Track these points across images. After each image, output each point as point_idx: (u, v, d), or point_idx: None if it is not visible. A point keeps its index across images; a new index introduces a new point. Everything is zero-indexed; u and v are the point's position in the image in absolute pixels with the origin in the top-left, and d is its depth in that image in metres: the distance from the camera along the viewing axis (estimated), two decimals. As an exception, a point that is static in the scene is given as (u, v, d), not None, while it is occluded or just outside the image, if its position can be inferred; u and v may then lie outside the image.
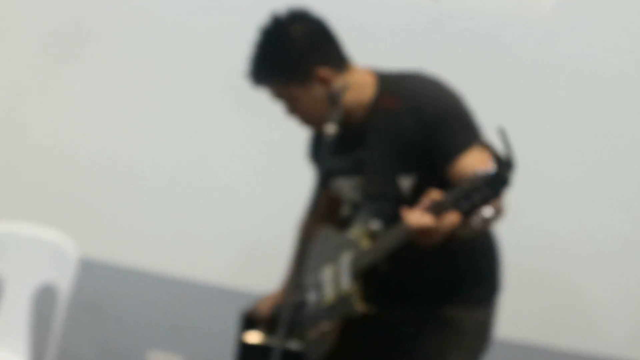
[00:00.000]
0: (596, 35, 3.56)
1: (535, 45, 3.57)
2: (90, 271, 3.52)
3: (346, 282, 2.43)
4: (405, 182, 2.43)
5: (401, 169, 2.42)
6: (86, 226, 3.85)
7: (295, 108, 2.50)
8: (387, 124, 2.39)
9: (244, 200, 3.89)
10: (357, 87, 2.47)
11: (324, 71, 2.44)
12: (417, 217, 2.10)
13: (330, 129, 2.27)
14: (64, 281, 3.37)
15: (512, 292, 3.32)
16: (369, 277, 2.36)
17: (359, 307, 2.34)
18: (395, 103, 2.44)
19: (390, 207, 2.38)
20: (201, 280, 3.87)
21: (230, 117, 3.91)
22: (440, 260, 2.44)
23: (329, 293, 2.52)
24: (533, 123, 3.47)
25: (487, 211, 2.07)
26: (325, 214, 2.75)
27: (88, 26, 4.06)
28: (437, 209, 2.08)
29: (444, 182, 2.28)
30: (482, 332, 2.52)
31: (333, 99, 2.31)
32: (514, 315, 3.41)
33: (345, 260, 2.46)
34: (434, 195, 2.11)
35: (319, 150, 2.63)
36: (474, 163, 2.28)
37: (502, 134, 1.97)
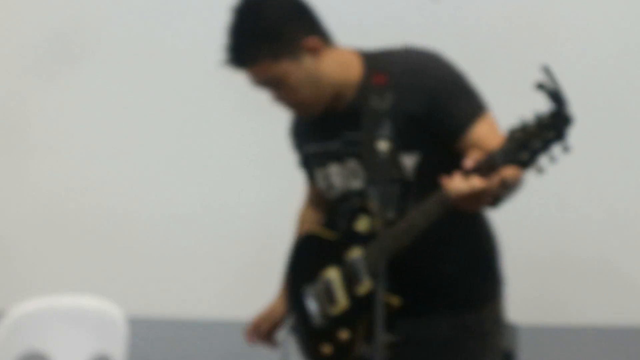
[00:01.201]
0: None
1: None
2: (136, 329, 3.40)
3: (362, 279, 2.34)
4: (408, 161, 2.33)
5: (402, 147, 2.30)
6: (119, 284, 3.87)
7: (286, 87, 2.35)
8: (381, 100, 2.23)
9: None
10: (345, 66, 2.38)
11: (312, 40, 2.32)
12: (462, 182, 2.04)
13: (384, 145, 2.11)
14: (116, 348, 3.26)
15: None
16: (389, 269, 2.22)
17: (393, 300, 2.25)
18: (388, 79, 2.30)
19: (398, 189, 2.25)
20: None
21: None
22: (453, 254, 2.42)
23: (340, 297, 2.41)
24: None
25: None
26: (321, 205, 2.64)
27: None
28: (486, 168, 2.02)
29: (450, 157, 2.23)
30: (499, 326, 2.49)
31: (378, 113, 2.17)
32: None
33: (356, 256, 2.36)
34: (476, 155, 2.06)
35: (303, 138, 2.53)
36: (487, 132, 2.24)
37: (548, 72, 1.88)
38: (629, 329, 3.51)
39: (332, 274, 2.42)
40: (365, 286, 2.33)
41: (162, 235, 4.00)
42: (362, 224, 2.35)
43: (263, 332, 2.70)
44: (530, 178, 2.06)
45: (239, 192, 3.89)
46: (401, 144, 2.28)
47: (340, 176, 2.42)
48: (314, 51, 2.32)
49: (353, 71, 2.37)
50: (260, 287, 3.72)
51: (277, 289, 2.68)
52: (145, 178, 4.05)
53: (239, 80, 2.42)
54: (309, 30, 2.32)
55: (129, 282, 3.95)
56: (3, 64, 4.16)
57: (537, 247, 3.55)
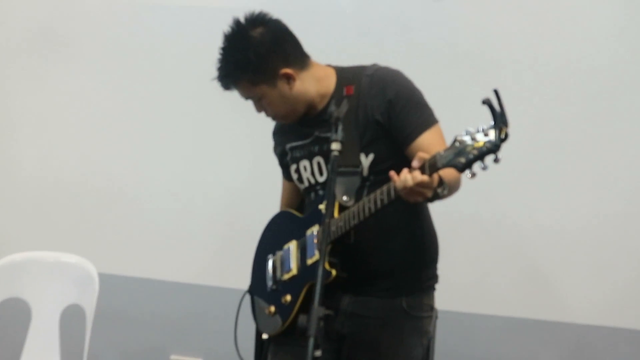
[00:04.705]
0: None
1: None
2: (107, 285, 3.67)
3: (313, 252, 2.56)
4: (365, 159, 2.57)
5: (362, 147, 2.56)
6: (94, 247, 4.04)
7: (265, 105, 2.65)
8: (338, 109, 2.42)
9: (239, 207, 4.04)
10: (321, 81, 2.66)
11: (287, 71, 2.59)
12: (407, 176, 2.23)
13: (335, 146, 2.32)
14: (89, 299, 3.49)
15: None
16: (336, 246, 2.45)
17: (333, 272, 2.44)
18: (354, 90, 2.59)
19: (356, 181, 2.55)
20: (210, 283, 4.08)
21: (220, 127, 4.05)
22: (399, 245, 2.63)
23: (292, 266, 2.66)
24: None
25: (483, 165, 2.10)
26: (297, 202, 2.92)
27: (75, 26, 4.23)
28: (429, 167, 2.21)
29: (401, 159, 2.44)
30: (432, 314, 2.74)
31: (332, 118, 2.37)
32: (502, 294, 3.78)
33: (312, 232, 2.60)
34: (422, 155, 2.24)
35: (285, 137, 2.78)
36: (434, 141, 2.48)
37: (496, 93, 2.00)
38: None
39: (292, 246, 2.69)
40: (312, 258, 2.57)
41: (145, 211, 4.19)
42: (324, 206, 2.49)
43: None
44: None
45: (215, 174, 4.03)
46: (363, 144, 2.57)
47: (309, 171, 2.71)
48: (288, 78, 2.60)
49: (327, 84, 2.66)
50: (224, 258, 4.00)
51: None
52: (128, 158, 4.20)
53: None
54: (285, 62, 2.59)
55: (105, 245, 4.17)
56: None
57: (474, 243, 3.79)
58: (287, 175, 2.89)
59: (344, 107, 2.40)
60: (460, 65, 3.71)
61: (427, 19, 3.79)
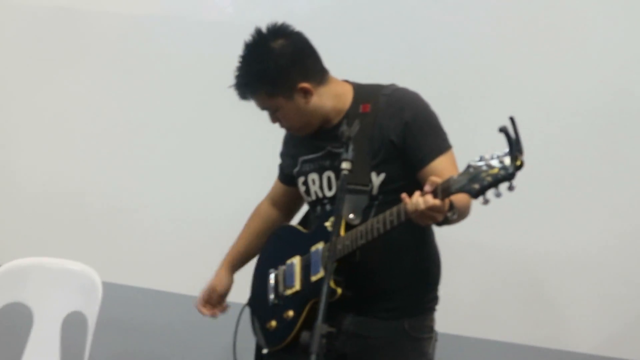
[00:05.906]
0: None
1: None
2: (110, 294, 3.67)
3: (318, 269, 2.57)
4: (376, 178, 2.57)
5: (374, 166, 2.57)
6: (99, 255, 4.04)
7: (280, 117, 2.65)
8: (362, 125, 2.48)
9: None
10: (338, 97, 2.66)
11: (305, 85, 2.59)
12: (419, 199, 2.23)
13: (346, 165, 2.33)
14: (92, 307, 3.49)
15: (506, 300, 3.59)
16: (342, 265, 2.43)
17: (338, 290, 2.45)
18: (370, 108, 2.60)
19: (364, 200, 2.55)
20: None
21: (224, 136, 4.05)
22: (403, 268, 2.63)
23: (296, 281, 2.66)
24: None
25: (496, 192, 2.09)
26: (282, 206, 2.95)
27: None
28: (442, 192, 2.20)
29: (412, 181, 2.43)
30: (432, 335, 2.73)
31: (344, 137, 2.38)
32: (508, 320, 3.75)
33: (317, 249, 2.60)
34: (435, 179, 2.24)
35: (295, 150, 2.80)
36: (447, 166, 2.49)
37: (512, 121, 1.99)
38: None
39: (296, 261, 2.69)
40: (317, 275, 2.57)
41: (150, 222, 4.21)
42: (330, 223, 2.58)
43: (214, 301, 3.01)
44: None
45: (221, 187, 4.04)
46: (375, 163, 2.57)
47: (317, 184, 2.71)
48: (306, 93, 2.60)
49: (344, 100, 2.66)
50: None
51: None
52: (136, 168, 4.22)
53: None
54: (303, 76, 2.59)
55: (110, 254, 4.18)
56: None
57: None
58: (286, 180, 2.92)
59: (356, 126, 2.41)
60: (460, 68, 3.71)
61: (428, 20, 3.80)
